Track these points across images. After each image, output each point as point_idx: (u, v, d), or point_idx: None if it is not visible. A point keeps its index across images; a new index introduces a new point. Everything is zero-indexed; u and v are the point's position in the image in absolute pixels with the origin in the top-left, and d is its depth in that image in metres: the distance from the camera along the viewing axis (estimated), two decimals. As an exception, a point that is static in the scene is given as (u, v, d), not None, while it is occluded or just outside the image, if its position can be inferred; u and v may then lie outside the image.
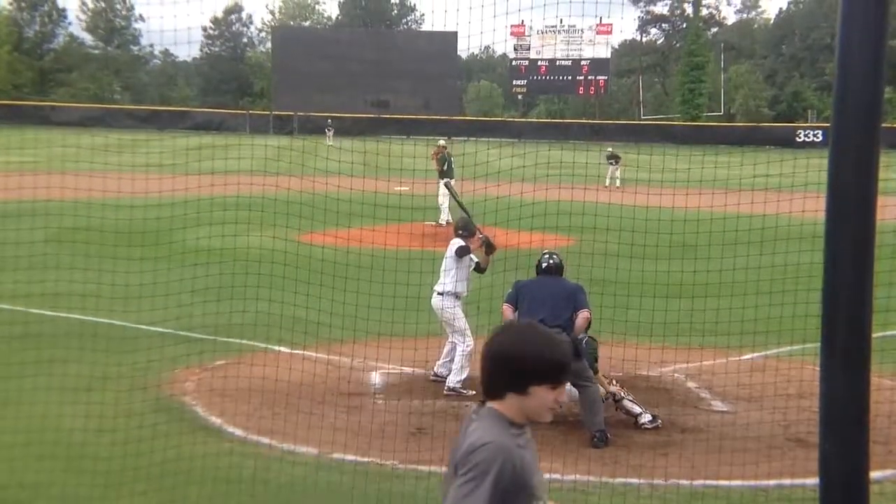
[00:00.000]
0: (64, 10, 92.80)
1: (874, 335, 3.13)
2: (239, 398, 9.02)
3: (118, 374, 9.36)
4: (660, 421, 8.81)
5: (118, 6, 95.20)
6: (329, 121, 62.52)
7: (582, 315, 8.59)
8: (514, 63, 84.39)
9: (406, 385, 10.10)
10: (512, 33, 79.03)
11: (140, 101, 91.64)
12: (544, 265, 9.09)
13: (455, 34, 61.97)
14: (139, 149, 29.92)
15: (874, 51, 3.05)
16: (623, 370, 9.99)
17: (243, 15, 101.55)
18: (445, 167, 21.73)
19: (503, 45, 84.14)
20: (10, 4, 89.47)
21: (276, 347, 10.70)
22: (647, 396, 9.32)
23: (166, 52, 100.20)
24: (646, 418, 8.79)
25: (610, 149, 37.45)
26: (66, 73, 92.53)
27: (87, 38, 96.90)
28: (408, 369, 10.39)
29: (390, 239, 12.06)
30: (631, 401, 8.93)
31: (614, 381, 9.18)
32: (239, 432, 8.34)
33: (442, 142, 23.72)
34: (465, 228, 10.34)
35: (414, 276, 10.38)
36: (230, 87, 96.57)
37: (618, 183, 34.64)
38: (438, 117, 73.53)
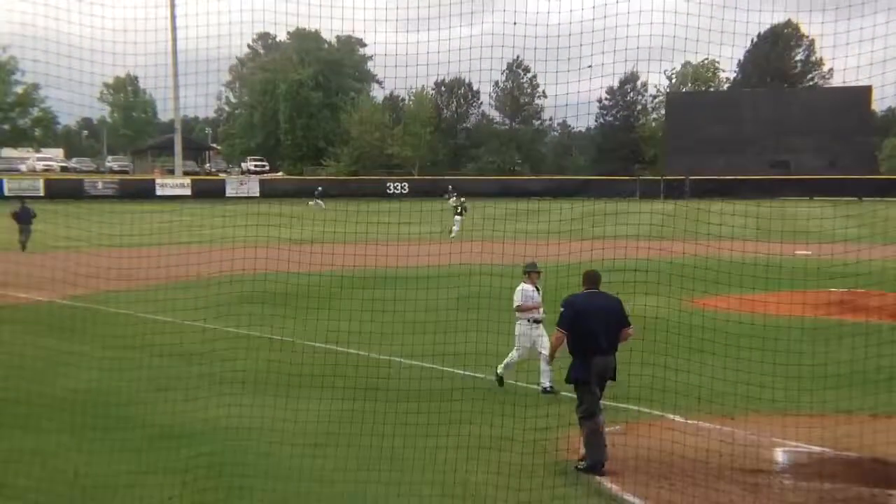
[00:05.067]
0: (478, 91, 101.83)
1: None
2: (634, 466, 8.93)
3: (517, 436, 9.67)
4: None
5: (525, 84, 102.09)
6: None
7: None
8: (939, 115, 75.69)
9: (815, 466, 9.27)
10: (938, 83, 70.93)
11: (537, 171, 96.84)
12: None
13: (868, 88, 57.13)
14: (534, 217, 31.35)
15: None
16: None
17: (638, 84, 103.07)
18: None
19: (927, 97, 75.73)
20: (433, 89, 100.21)
21: (671, 416, 10.47)
22: None
23: (564, 124, 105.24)
24: None
25: None
26: (475, 148, 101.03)
27: (496, 115, 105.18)
28: (816, 448, 9.56)
29: (794, 309, 11.31)
30: None
31: None
32: (637, 502, 8.23)
33: None
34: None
35: (819, 349, 9.59)
36: (621, 155, 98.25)
37: None
38: (845, 177, 68.06)
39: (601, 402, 9.18)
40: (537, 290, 12.45)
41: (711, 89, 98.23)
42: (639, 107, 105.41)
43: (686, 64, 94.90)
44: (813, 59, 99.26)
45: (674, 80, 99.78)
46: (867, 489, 8.53)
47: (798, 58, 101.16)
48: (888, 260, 15.58)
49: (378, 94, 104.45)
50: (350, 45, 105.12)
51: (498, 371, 12.46)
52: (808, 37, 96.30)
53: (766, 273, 12.81)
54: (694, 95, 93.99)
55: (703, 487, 8.27)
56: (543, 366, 11.96)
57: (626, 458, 9.13)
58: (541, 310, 12.37)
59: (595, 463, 8.86)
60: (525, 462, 8.94)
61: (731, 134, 76.12)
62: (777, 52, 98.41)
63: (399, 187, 78.15)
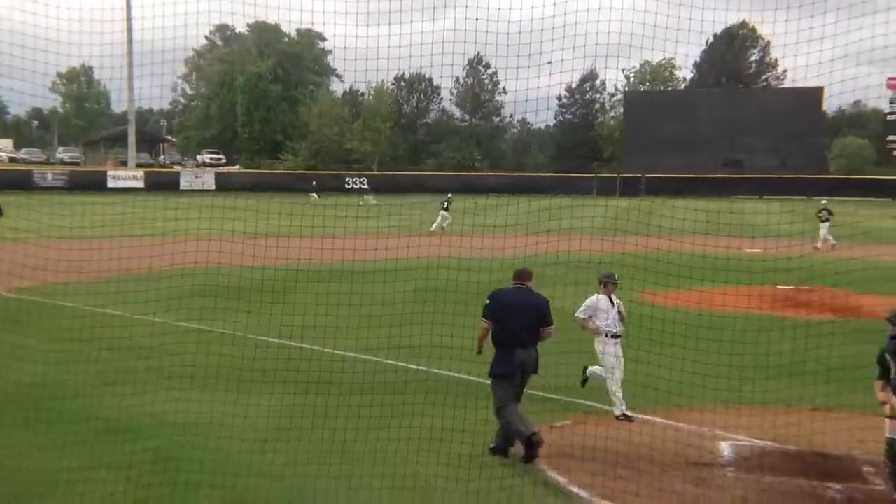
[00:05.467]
0: (438, 87, 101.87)
1: None
2: (581, 458, 9.02)
3: (469, 427, 9.74)
4: None
5: (486, 81, 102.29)
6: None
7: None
8: (889, 118, 77.68)
9: (757, 458, 9.45)
10: (889, 86, 72.80)
11: (497, 168, 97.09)
12: None
13: (820, 90, 58.22)
14: (492, 212, 31.51)
15: None
16: None
17: (597, 82, 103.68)
18: None
19: (877, 101, 77.68)
20: (393, 84, 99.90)
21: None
22: None
23: (523, 121, 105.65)
24: None
25: (824, 201, 35.52)
26: (435, 144, 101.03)
27: (456, 111, 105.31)
28: (759, 441, 9.75)
29: (739, 302, 11.51)
30: None
31: None
32: (582, 493, 8.33)
33: None
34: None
35: (762, 341, 9.79)
36: (580, 152, 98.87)
37: (832, 240, 31.37)
38: (796, 176, 69.40)
39: (525, 390, 9.55)
40: (612, 302, 10.94)
41: (669, 88, 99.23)
42: (597, 105, 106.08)
43: (644, 63, 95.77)
44: (767, 59, 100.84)
45: (632, 79, 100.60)
46: (807, 481, 8.72)
47: (753, 58, 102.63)
48: (829, 255, 16.05)
49: (338, 88, 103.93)
50: (310, 38, 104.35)
51: (587, 371, 11.22)
52: (762, 38, 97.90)
53: (714, 266, 13.03)
54: (652, 95, 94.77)
55: (647, 478, 8.38)
56: (614, 388, 10.73)
57: (572, 451, 9.22)
58: (616, 323, 10.86)
59: (501, 444, 9.27)
60: (475, 453, 9.02)
61: (688, 133, 77.08)
62: (732, 52, 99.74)
63: (358, 182, 77.97)
